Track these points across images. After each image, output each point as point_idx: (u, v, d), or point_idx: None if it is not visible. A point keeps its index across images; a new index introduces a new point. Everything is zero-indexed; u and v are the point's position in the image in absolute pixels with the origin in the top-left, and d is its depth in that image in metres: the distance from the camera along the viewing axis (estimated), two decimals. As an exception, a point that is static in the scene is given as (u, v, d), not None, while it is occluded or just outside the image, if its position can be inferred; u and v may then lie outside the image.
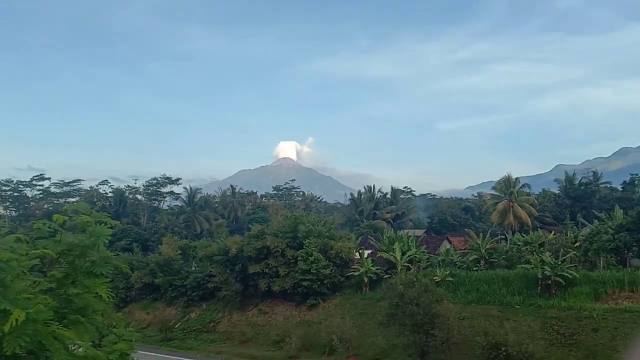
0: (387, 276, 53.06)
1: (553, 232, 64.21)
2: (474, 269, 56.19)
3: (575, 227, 67.92)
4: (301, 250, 55.83)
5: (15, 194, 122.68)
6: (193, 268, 64.72)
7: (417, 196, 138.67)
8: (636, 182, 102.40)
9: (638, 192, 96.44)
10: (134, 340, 5.82)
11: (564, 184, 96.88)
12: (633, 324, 41.80)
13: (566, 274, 46.63)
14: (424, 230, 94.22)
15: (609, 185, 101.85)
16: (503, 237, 75.65)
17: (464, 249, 64.49)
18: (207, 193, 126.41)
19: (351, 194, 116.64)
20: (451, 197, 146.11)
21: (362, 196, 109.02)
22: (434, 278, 49.88)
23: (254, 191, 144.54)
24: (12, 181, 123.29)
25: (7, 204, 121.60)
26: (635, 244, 54.53)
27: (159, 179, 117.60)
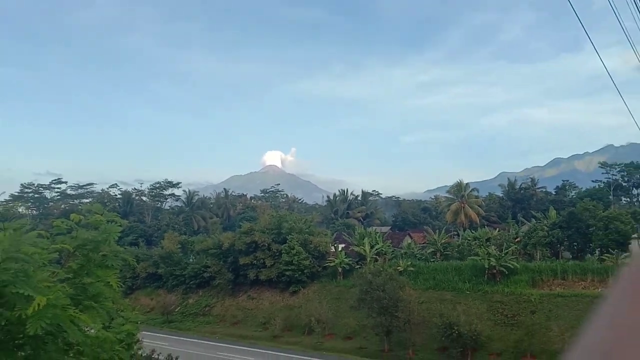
0: (358, 266, 53.11)
1: (497, 229, 64.94)
2: (431, 260, 56.55)
3: (516, 225, 68.65)
4: (285, 245, 55.68)
5: (36, 195, 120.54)
6: (191, 260, 64.13)
7: (384, 198, 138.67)
8: (567, 187, 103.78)
9: (569, 195, 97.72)
10: (138, 322, 5.81)
11: (507, 188, 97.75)
12: (564, 307, 42.47)
13: (508, 265, 47.14)
14: (389, 227, 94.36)
15: (544, 190, 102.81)
16: (456, 233, 76.14)
17: (423, 243, 64.79)
18: (203, 195, 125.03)
19: (327, 197, 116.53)
20: (412, 199, 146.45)
21: (337, 198, 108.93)
22: (398, 268, 50.01)
23: (244, 194, 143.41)
24: (33, 184, 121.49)
25: (29, 204, 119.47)
26: (566, 239, 55.51)
27: (162, 182, 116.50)
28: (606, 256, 49.27)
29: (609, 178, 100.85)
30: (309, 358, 42.67)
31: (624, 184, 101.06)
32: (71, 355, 4.00)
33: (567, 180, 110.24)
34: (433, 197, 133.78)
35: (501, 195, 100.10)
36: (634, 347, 0.41)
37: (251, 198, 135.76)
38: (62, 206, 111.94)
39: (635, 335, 0.41)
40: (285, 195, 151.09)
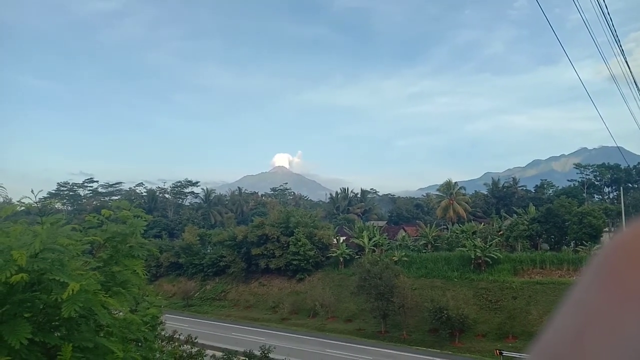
0: (357, 257, 53.07)
1: (482, 224, 64.57)
2: (423, 251, 56.43)
3: (499, 220, 68.33)
4: (292, 237, 55.71)
5: (71, 193, 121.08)
6: (208, 250, 64.24)
7: (380, 195, 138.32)
8: (545, 186, 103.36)
9: (546, 193, 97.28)
10: (162, 306, 5.82)
11: (491, 187, 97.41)
12: (543, 293, 42.34)
13: (492, 255, 47.01)
14: (386, 222, 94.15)
15: (524, 188, 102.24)
16: (445, 227, 75.73)
17: (416, 236, 64.64)
18: (219, 193, 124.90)
19: (330, 194, 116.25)
20: (406, 197, 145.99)
21: (339, 196, 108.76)
22: (393, 258, 49.90)
23: (256, 192, 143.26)
24: (68, 183, 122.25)
25: (65, 201, 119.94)
26: (544, 232, 55.29)
27: (183, 181, 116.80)
28: (580, 248, 49.09)
29: (583, 178, 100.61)
30: (314, 338, 42.66)
31: (596, 183, 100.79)
32: (102, 335, 4.00)
33: (545, 180, 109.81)
34: (425, 195, 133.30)
35: (486, 193, 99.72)
36: (603, 326, 0.43)
37: (262, 195, 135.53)
38: (94, 203, 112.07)
39: (604, 316, 0.43)
40: (292, 193, 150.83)
